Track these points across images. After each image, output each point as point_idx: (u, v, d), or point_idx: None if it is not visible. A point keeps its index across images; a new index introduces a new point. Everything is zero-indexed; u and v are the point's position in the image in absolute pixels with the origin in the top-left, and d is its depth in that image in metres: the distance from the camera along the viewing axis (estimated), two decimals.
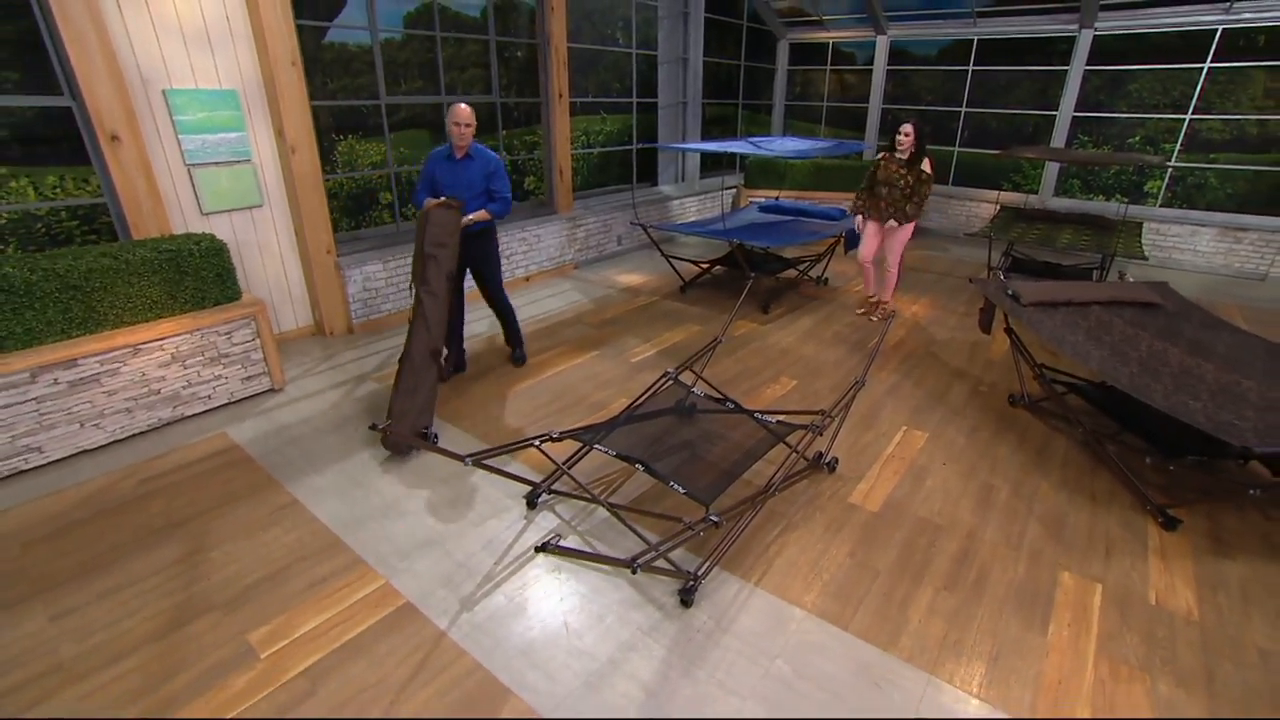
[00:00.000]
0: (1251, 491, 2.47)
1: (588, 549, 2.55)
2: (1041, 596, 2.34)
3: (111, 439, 3.21)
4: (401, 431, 3.09)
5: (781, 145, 5.60)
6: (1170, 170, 6.99)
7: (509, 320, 4.19)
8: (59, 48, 3.24)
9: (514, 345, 4.28)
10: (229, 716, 1.85)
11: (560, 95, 6.12)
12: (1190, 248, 6.88)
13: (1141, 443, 3.03)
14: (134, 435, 3.30)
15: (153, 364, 3.28)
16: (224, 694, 1.92)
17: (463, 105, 3.49)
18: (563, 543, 2.56)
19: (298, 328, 4.63)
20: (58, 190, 3.80)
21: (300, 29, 4.13)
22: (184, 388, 3.42)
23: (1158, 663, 2.07)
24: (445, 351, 3.55)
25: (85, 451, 3.14)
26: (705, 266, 5.85)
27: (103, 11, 3.30)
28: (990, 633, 2.18)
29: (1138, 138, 7.35)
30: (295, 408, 3.65)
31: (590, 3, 6.89)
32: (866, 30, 8.45)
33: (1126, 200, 7.37)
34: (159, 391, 3.32)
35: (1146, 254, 5.55)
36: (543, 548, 2.40)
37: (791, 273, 5.89)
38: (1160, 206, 7.17)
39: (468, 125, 3.47)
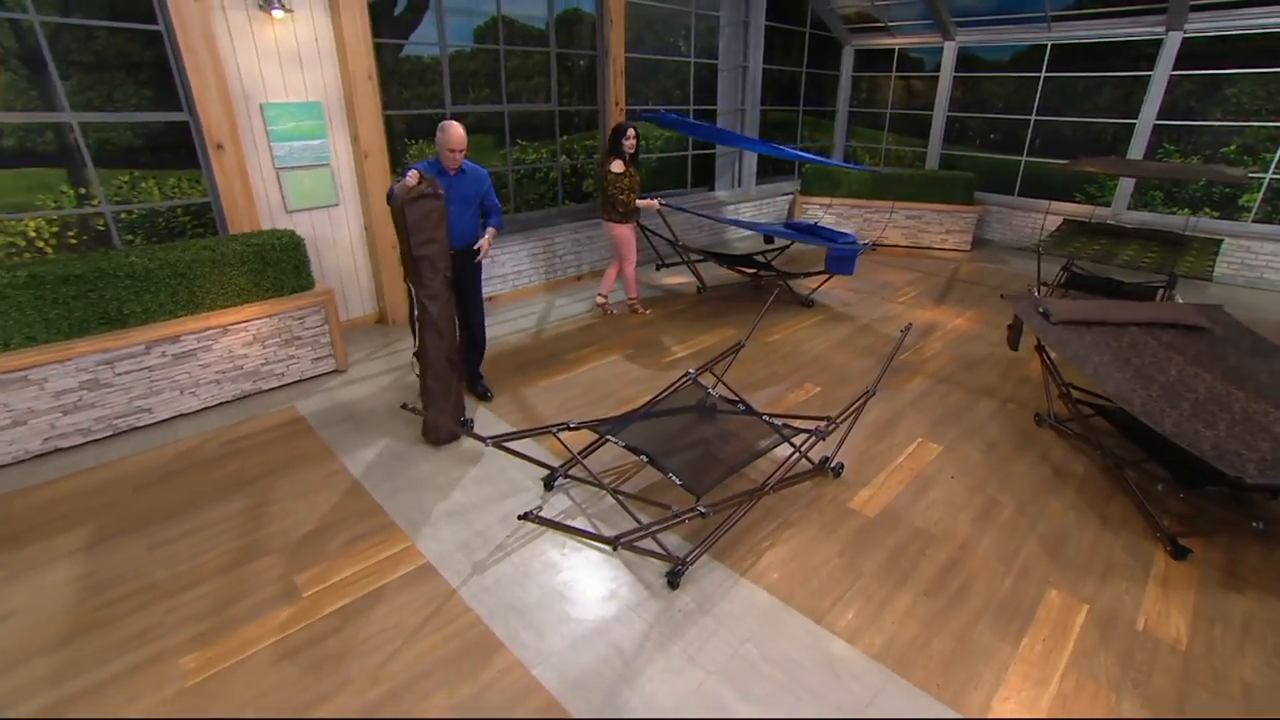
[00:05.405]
0: (1255, 525, 2.39)
1: (585, 525, 2.80)
2: (1023, 611, 2.38)
3: (204, 405, 3.75)
4: (443, 427, 3.37)
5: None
6: (1266, 182, 6.46)
7: (478, 345, 3.89)
8: (182, 72, 3.82)
9: (474, 373, 3.98)
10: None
11: (616, 104, 6.39)
12: None
13: (1163, 471, 2.95)
14: (221, 404, 3.83)
15: (239, 343, 3.79)
16: (271, 622, 2.29)
17: (457, 129, 3.27)
18: (564, 520, 2.82)
19: (364, 315, 5.13)
20: (176, 190, 4.44)
21: (379, 47, 4.60)
22: (263, 365, 3.93)
23: (1128, 684, 2.09)
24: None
25: (183, 415, 3.69)
26: (739, 270, 6.12)
27: (216, 39, 3.85)
28: (961, 639, 2.26)
29: (1233, 146, 6.82)
30: (355, 388, 4.10)
31: (653, 13, 7.12)
32: (934, 36, 8.24)
33: (1217, 214, 6.86)
34: (242, 367, 3.84)
35: (1214, 274, 5.20)
36: (524, 516, 2.70)
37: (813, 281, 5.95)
38: (1254, 221, 6.63)
39: (460, 151, 3.35)
